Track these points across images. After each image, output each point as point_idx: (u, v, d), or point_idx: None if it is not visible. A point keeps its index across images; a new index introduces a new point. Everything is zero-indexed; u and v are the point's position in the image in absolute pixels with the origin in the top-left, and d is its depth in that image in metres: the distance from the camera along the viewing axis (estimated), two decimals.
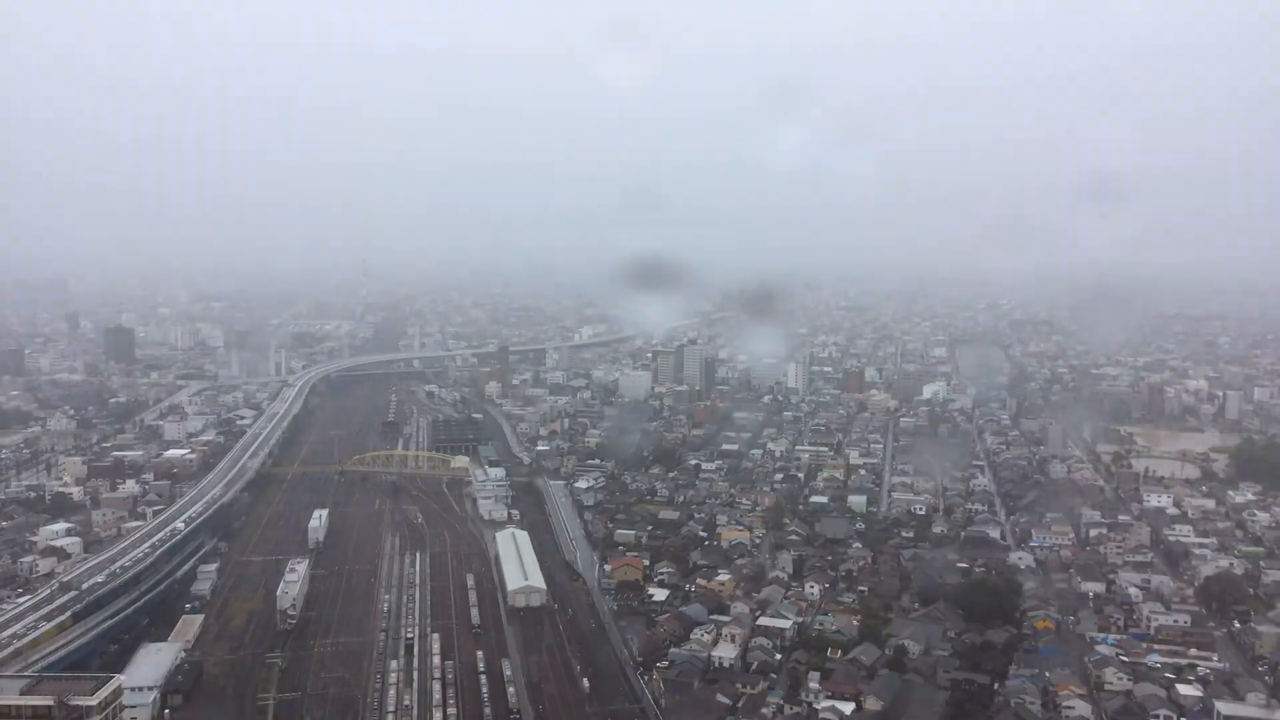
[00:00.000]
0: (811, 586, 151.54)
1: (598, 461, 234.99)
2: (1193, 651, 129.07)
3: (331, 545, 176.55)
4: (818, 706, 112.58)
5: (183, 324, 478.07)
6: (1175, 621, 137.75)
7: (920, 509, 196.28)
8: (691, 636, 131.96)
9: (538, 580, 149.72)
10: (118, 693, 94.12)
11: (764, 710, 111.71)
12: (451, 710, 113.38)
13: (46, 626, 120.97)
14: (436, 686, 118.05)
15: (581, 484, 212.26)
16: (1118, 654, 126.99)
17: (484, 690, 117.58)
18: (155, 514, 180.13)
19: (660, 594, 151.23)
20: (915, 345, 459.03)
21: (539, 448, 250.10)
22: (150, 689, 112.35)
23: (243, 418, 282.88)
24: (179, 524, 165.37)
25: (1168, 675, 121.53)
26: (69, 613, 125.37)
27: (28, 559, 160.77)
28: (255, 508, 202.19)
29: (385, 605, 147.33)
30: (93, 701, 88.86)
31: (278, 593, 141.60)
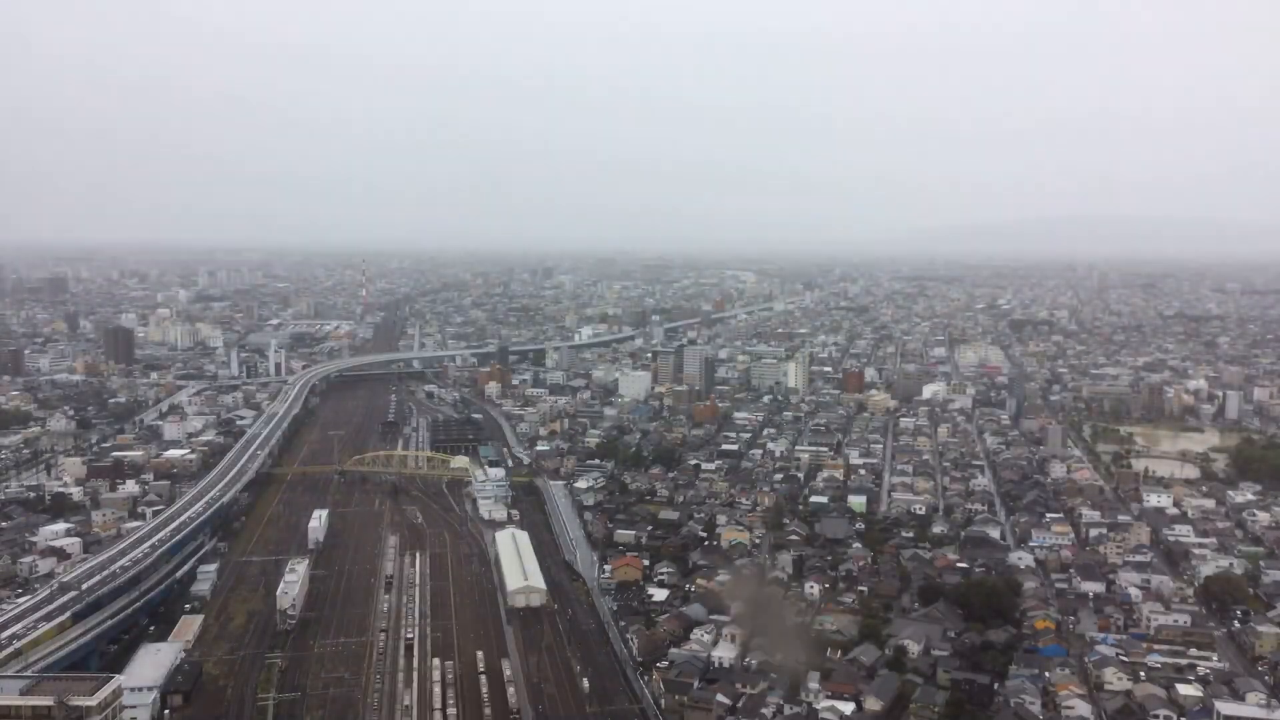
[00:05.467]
0: (811, 586, 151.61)
1: (598, 461, 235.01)
2: (1193, 651, 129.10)
3: (331, 545, 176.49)
4: (818, 706, 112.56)
5: (183, 324, 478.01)
6: (1175, 621, 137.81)
7: (920, 509, 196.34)
8: (691, 636, 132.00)
9: (538, 580, 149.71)
10: (118, 693, 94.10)
11: (764, 710, 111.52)
12: (451, 710, 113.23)
13: (46, 627, 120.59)
14: (436, 687, 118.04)
15: (581, 484, 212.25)
16: (1118, 654, 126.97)
17: (484, 690, 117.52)
18: (155, 514, 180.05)
19: (660, 594, 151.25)
20: (915, 345, 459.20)
21: (539, 448, 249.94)
22: (150, 689, 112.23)
23: (242, 418, 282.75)
24: (178, 524, 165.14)
25: (1168, 675, 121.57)
26: (69, 613, 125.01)
27: (28, 559, 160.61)
28: (255, 508, 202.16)
29: (385, 605, 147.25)
30: (93, 701, 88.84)
31: (278, 593, 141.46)
